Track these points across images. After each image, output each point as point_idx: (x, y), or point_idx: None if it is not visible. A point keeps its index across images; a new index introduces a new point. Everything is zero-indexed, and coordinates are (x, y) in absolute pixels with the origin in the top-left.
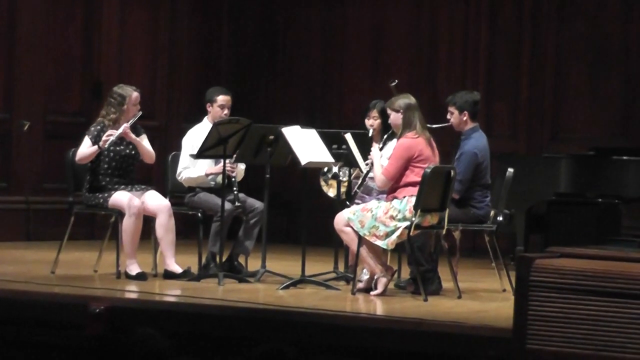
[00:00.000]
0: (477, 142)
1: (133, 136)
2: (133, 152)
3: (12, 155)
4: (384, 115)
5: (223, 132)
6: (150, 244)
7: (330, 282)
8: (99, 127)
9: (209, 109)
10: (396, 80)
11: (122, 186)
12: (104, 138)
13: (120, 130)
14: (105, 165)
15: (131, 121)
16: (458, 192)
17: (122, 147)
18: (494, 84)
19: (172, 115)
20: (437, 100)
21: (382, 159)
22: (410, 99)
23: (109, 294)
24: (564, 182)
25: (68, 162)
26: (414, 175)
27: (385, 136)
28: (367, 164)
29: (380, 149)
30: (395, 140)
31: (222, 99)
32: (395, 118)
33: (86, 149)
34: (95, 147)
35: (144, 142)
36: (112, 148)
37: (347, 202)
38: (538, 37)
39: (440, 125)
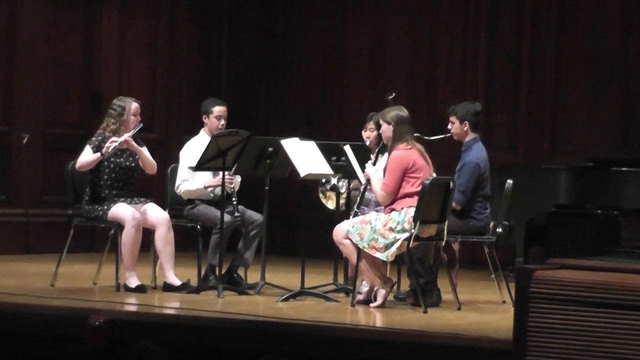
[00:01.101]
0: (478, 153)
1: (135, 145)
2: (133, 165)
3: (11, 168)
4: (380, 127)
5: (222, 144)
6: (150, 256)
7: (330, 294)
8: (100, 137)
9: (205, 120)
10: (393, 94)
11: (122, 199)
12: (106, 145)
13: (123, 138)
14: (106, 177)
15: (132, 132)
16: (460, 203)
17: (122, 159)
18: (494, 95)
19: (172, 127)
20: (436, 111)
21: (377, 173)
22: (403, 112)
23: (109, 307)
24: (563, 194)
25: (68, 174)
26: (410, 186)
27: (377, 150)
28: (363, 183)
29: (373, 164)
30: (387, 154)
31: (218, 109)
32: (386, 129)
33: (87, 156)
34: (98, 154)
35: (145, 152)
36: (112, 159)
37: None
38: (537, 49)
39: (439, 136)
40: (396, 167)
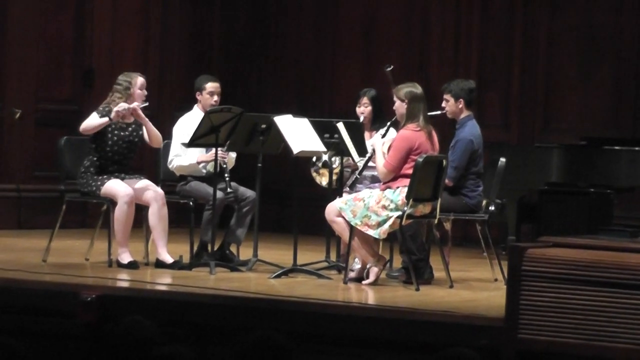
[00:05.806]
0: (472, 130)
1: (143, 115)
2: (136, 140)
3: (3, 143)
4: (374, 103)
5: (215, 120)
6: (142, 232)
7: (322, 271)
8: (107, 108)
9: (199, 97)
10: (391, 66)
11: (115, 174)
12: (115, 109)
13: (132, 105)
14: (108, 148)
15: (141, 103)
16: (452, 179)
17: (127, 132)
18: (486, 73)
19: (163, 104)
20: (429, 89)
21: (384, 146)
22: (417, 89)
23: (101, 283)
24: (555, 172)
25: (59, 149)
26: (409, 167)
27: (389, 122)
28: (356, 160)
29: (383, 136)
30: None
31: (211, 86)
32: (399, 106)
33: (94, 120)
34: (106, 118)
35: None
36: (117, 132)
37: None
38: (530, 27)
39: (433, 112)
40: (401, 147)
